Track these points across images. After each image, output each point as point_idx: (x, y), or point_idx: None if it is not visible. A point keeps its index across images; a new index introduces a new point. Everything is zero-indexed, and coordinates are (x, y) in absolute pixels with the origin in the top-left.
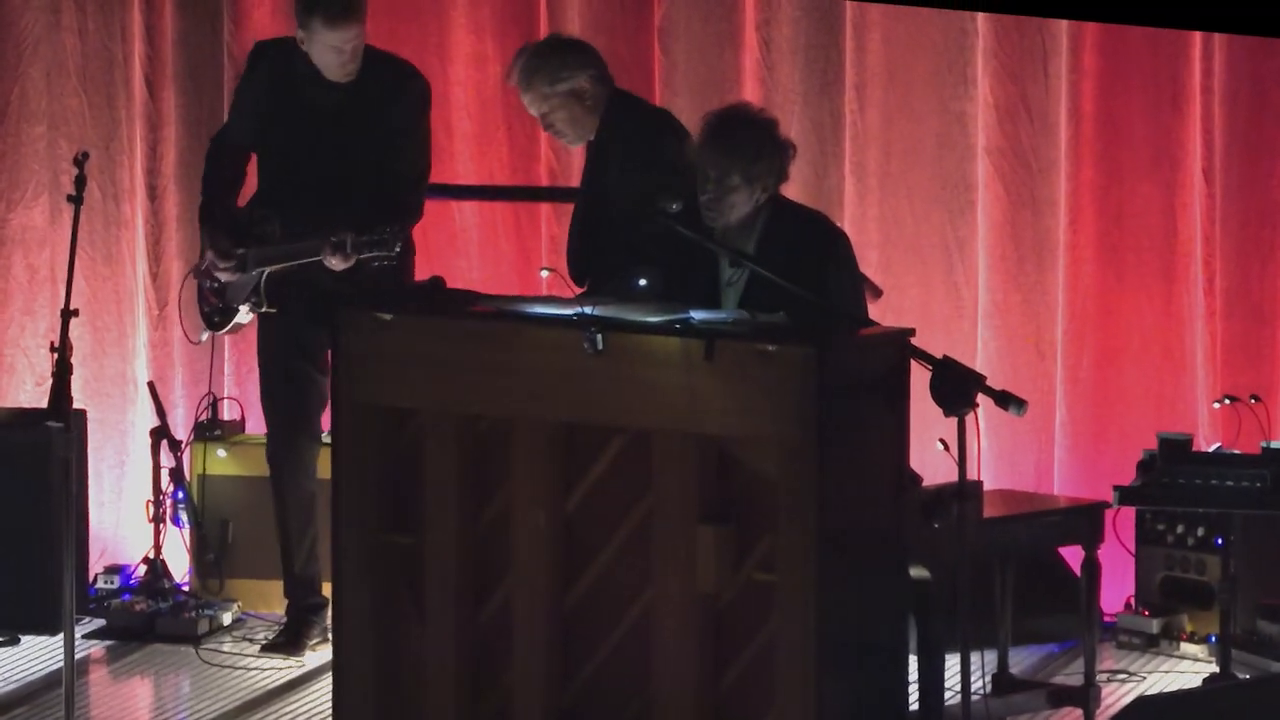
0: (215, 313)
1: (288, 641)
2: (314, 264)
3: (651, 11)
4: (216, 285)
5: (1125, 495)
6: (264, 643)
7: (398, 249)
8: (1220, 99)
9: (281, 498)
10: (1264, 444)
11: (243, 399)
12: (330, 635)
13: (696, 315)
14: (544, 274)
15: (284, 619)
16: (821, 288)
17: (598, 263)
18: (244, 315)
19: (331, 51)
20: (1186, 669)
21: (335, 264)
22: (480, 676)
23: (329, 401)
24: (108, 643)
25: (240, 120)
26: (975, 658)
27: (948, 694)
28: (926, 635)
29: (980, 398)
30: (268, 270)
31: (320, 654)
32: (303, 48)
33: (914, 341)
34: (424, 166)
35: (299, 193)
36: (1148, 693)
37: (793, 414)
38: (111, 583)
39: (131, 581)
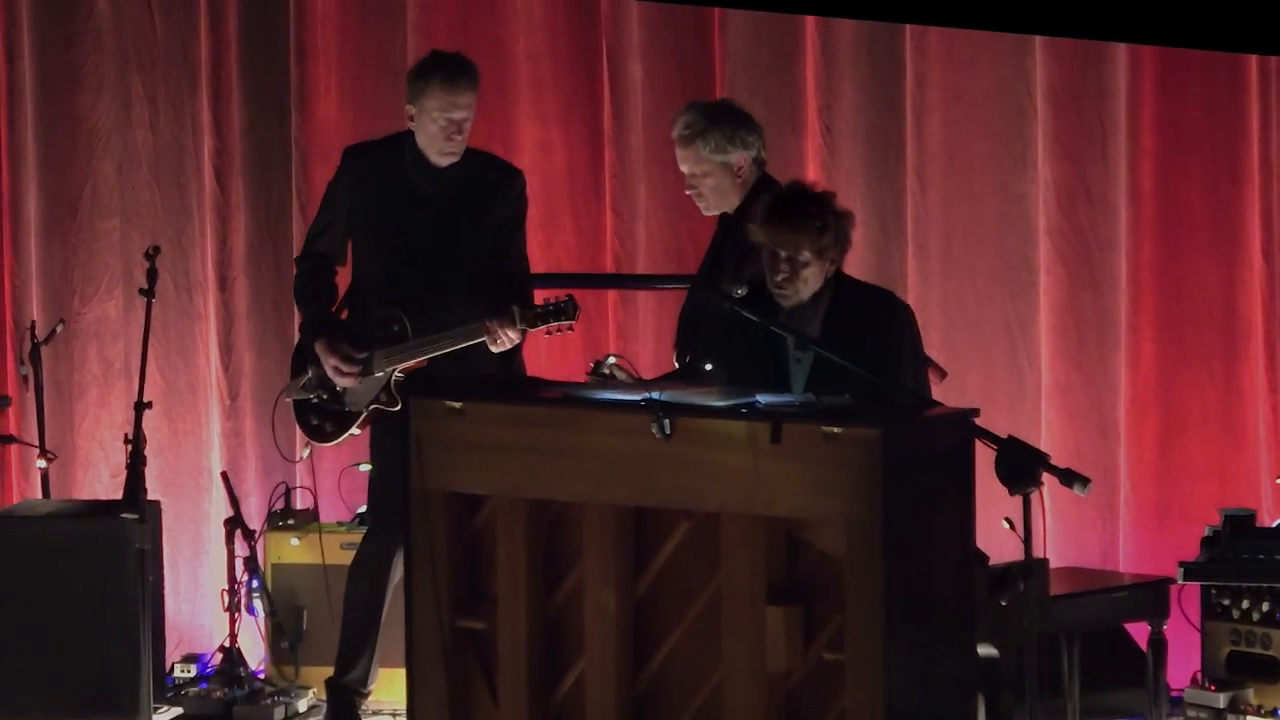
0: (326, 422)
1: None
2: (443, 356)
3: (713, 96)
4: (324, 398)
5: (1190, 571)
6: None
7: (577, 314)
8: (1278, 175)
9: (363, 599)
10: None
11: (315, 487)
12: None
13: (762, 399)
14: (610, 360)
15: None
16: (887, 365)
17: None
18: (359, 425)
19: (442, 123)
20: None
21: (508, 339)
22: None
23: None
24: None
25: (333, 227)
26: None
27: None
28: (995, 712)
29: (1045, 476)
30: (399, 367)
31: None
32: (410, 125)
33: (978, 421)
34: (527, 261)
35: (418, 287)
36: None
37: (859, 494)
38: (188, 671)
39: (208, 669)
